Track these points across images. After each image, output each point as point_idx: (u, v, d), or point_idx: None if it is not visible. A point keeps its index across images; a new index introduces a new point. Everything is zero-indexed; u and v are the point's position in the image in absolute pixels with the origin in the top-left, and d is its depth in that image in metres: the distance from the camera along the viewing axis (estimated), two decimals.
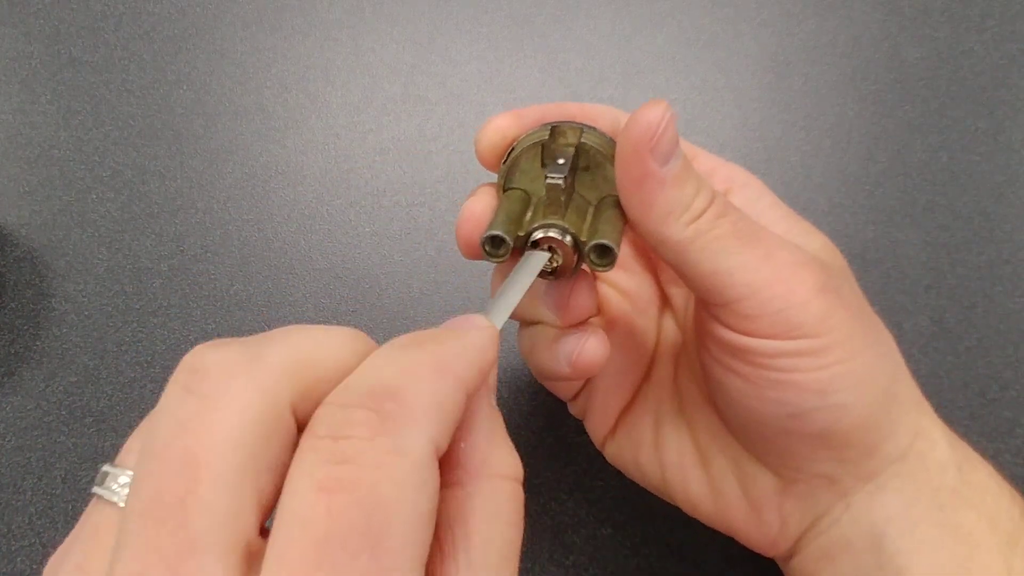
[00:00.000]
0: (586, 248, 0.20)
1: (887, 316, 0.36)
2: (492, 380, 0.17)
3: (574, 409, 0.28)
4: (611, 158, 0.21)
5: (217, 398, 0.14)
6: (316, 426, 0.13)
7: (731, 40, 0.41)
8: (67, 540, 0.16)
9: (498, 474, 0.16)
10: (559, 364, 0.23)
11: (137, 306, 0.35)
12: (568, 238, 0.20)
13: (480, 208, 0.22)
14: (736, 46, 0.41)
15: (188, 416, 0.14)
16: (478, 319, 0.17)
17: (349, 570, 0.12)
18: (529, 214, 0.21)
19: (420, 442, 0.13)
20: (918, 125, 0.39)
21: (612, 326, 0.27)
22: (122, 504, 0.14)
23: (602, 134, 0.22)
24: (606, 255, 0.20)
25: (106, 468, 0.15)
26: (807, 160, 0.38)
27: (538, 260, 0.21)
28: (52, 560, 0.15)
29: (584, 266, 0.22)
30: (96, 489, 0.15)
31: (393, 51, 0.41)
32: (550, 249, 0.21)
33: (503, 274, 0.24)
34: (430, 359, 0.14)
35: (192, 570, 0.12)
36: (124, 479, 0.15)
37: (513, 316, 0.25)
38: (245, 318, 0.35)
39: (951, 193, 0.37)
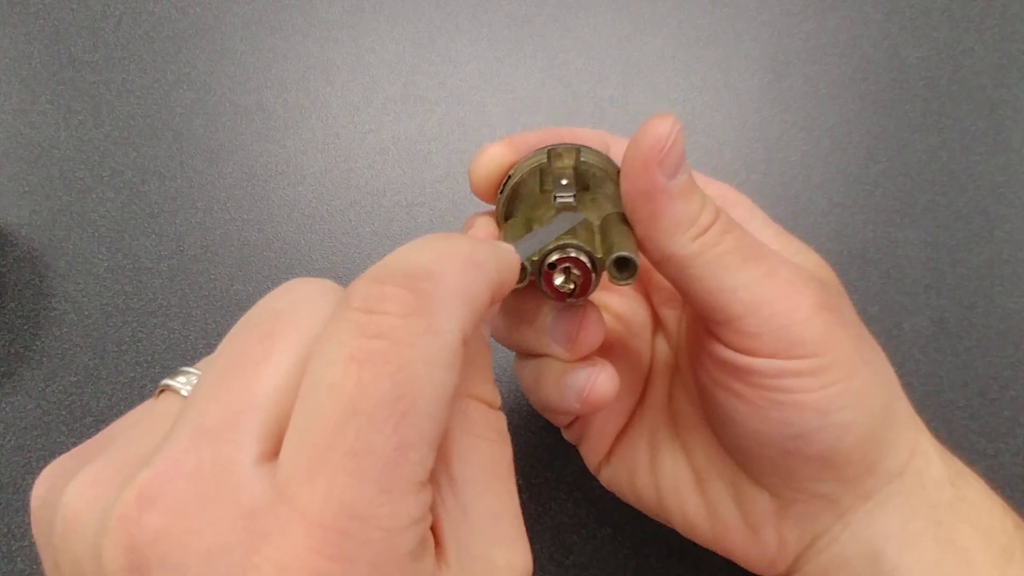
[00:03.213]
0: (607, 263, 0.20)
1: (887, 316, 0.36)
2: (491, 311, 0.17)
3: (569, 436, 0.28)
4: (611, 176, 0.21)
5: (315, 300, 0.15)
6: (351, 298, 0.14)
7: (731, 40, 0.41)
8: (114, 425, 0.17)
9: (468, 394, 0.16)
10: (567, 399, 0.22)
11: (137, 306, 0.35)
12: (584, 256, 0.20)
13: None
14: (736, 46, 0.41)
15: (284, 308, 0.15)
16: (505, 243, 0.17)
17: (371, 440, 0.12)
18: None
19: (452, 326, 0.14)
20: (918, 125, 0.39)
21: (607, 350, 0.26)
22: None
23: (598, 152, 0.22)
24: (626, 268, 0.20)
25: (185, 368, 0.16)
26: (807, 160, 0.38)
27: (574, 218, 0.20)
28: (97, 441, 0.16)
29: (604, 281, 0.21)
30: (168, 380, 0.16)
31: (393, 51, 0.41)
32: (566, 270, 0.20)
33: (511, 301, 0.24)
34: (466, 252, 0.15)
35: (240, 424, 0.13)
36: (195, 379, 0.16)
37: (517, 348, 0.24)
38: None
39: (951, 193, 0.37)
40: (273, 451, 0.13)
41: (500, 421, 0.17)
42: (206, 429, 0.13)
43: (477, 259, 0.15)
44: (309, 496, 0.12)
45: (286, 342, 0.14)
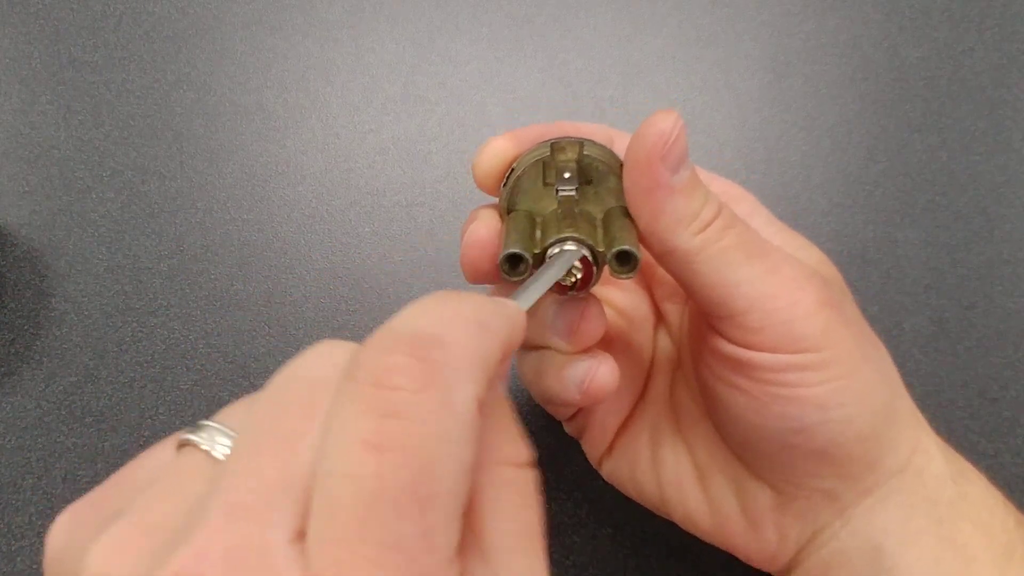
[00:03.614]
0: (607, 256, 0.20)
1: (887, 316, 0.36)
2: (505, 367, 0.17)
3: (570, 429, 0.28)
4: (614, 170, 0.21)
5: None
6: (358, 370, 0.13)
7: (731, 40, 0.41)
8: (131, 471, 0.16)
9: (500, 461, 0.15)
10: (568, 391, 0.22)
11: (137, 306, 0.35)
12: (586, 250, 0.20)
13: (486, 232, 0.22)
14: (736, 46, 0.41)
15: (320, 377, 0.14)
16: (511, 301, 0.17)
17: (397, 528, 0.12)
18: (538, 233, 0.21)
19: (467, 395, 0.13)
20: (918, 125, 0.39)
21: (609, 344, 0.26)
22: (215, 454, 0.15)
23: (602, 147, 0.22)
24: (628, 261, 0.20)
25: (203, 422, 0.15)
26: (807, 160, 0.38)
27: (571, 256, 0.20)
28: (93, 496, 0.15)
29: (605, 275, 0.21)
30: (189, 435, 0.15)
31: (393, 51, 0.41)
32: None
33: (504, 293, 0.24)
34: (472, 314, 0.14)
35: (275, 502, 0.13)
36: (223, 437, 0.15)
37: None
38: (245, 318, 0.35)
39: (951, 193, 0.37)
40: (305, 529, 0.13)
41: (528, 481, 0.16)
42: (241, 506, 0.13)
43: (484, 319, 0.14)
44: None
45: (321, 416, 0.14)
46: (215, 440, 0.15)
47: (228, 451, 0.15)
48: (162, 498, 0.14)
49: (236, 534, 0.12)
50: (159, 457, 0.16)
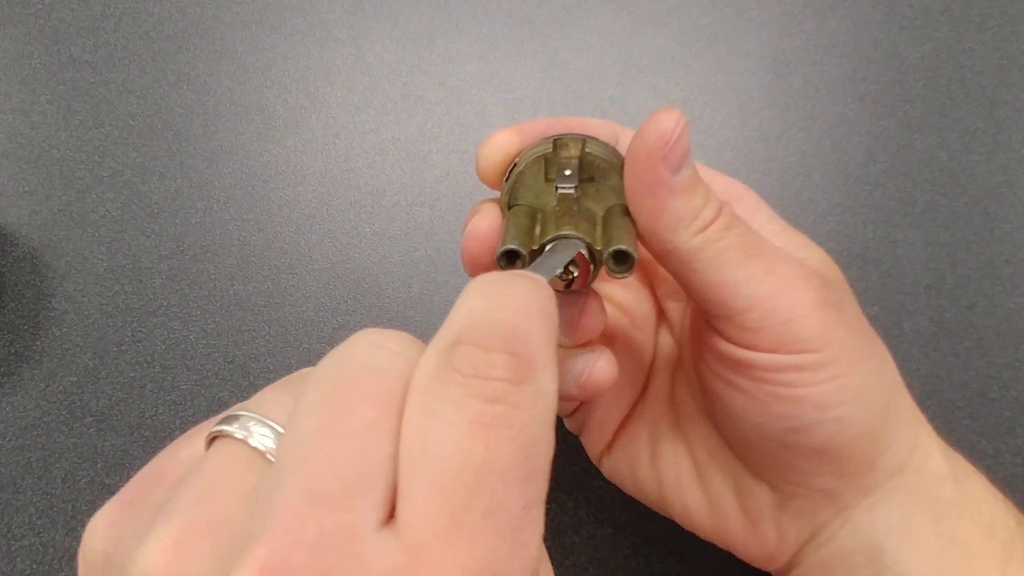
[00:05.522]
0: (604, 256, 0.20)
1: (887, 316, 0.36)
2: None
3: (571, 425, 0.28)
4: (616, 167, 0.21)
5: (412, 358, 0.15)
6: (460, 364, 0.14)
7: (731, 40, 0.41)
8: (158, 468, 0.15)
9: None
10: (567, 385, 0.22)
11: (137, 306, 0.35)
12: (584, 248, 0.20)
13: (486, 226, 0.22)
14: (736, 46, 0.41)
15: (383, 365, 0.14)
16: (540, 278, 0.17)
17: (504, 498, 0.13)
18: (538, 229, 0.21)
19: (552, 385, 0.14)
20: (918, 125, 0.39)
21: (610, 341, 0.27)
22: (259, 445, 0.15)
23: (604, 144, 0.22)
24: (624, 261, 0.20)
25: (235, 412, 0.15)
26: (807, 160, 0.38)
27: (574, 245, 0.20)
28: (127, 496, 0.15)
29: (602, 274, 0.21)
30: (224, 427, 0.15)
31: (393, 51, 0.41)
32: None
33: None
34: (537, 305, 0.15)
35: (359, 490, 0.13)
36: (259, 427, 0.15)
37: None
38: (245, 318, 0.35)
39: (951, 193, 0.37)
40: (389, 515, 0.13)
41: None
42: (322, 495, 0.12)
43: (545, 309, 0.15)
44: (450, 558, 0.12)
45: (393, 404, 0.14)
46: (251, 429, 0.15)
47: (269, 440, 0.15)
48: (210, 492, 0.14)
49: (321, 521, 0.12)
50: (187, 451, 0.16)
